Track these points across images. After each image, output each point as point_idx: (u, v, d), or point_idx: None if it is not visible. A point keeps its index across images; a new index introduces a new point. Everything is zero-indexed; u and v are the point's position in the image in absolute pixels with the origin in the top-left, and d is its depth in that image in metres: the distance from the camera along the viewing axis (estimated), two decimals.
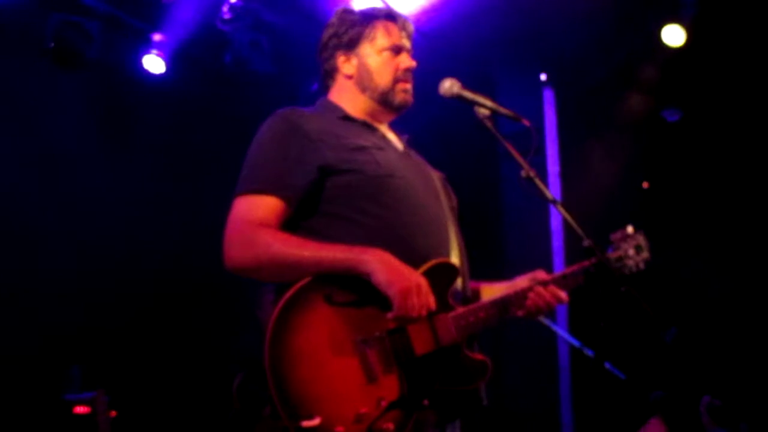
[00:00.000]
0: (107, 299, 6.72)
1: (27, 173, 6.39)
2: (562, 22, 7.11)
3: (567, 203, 2.90)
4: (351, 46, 3.04)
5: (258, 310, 6.73)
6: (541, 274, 2.93)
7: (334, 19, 3.11)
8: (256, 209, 2.71)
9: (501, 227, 7.77)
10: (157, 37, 6.99)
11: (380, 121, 3.08)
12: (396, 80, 3.03)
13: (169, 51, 7.05)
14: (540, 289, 2.86)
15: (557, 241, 7.52)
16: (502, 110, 2.93)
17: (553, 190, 7.58)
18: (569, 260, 7.45)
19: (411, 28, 3.14)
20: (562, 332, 6.15)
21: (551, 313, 6.14)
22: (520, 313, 2.86)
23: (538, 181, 2.75)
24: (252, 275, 2.70)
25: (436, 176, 3.07)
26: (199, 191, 7.54)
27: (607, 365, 5.29)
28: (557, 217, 7.42)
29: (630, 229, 3.02)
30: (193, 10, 6.73)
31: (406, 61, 3.05)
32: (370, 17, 3.07)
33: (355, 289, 2.59)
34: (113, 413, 5.71)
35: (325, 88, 3.15)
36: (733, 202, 8.28)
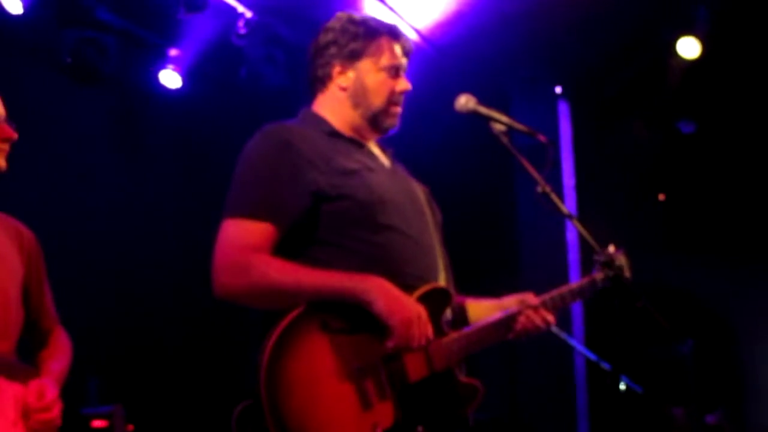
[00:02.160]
0: (125, 312, 6.75)
1: (44, 187, 6.42)
2: (577, 35, 7.12)
3: (582, 217, 2.90)
4: (351, 58, 2.93)
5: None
6: (530, 298, 2.94)
7: (335, 24, 2.99)
8: (247, 234, 2.62)
9: (516, 241, 7.75)
10: (173, 52, 7.03)
11: (366, 139, 2.99)
12: (389, 102, 2.94)
13: (185, 66, 7.08)
14: (530, 312, 2.88)
15: (573, 255, 7.50)
16: (518, 126, 2.93)
17: (568, 203, 7.57)
18: (586, 274, 7.43)
19: (411, 45, 3.05)
20: (578, 346, 6.13)
21: (567, 326, 6.13)
22: (509, 335, 2.88)
23: (553, 196, 2.76)
24: (243, 302, 2.63)
25: (420, 191, 3.01)
26: (215, 205, 7.56)
27: (623, 379, 5.28)
28: (573, 231, 7.40)
29: (611, 248, 3.00)
30: (208, 26, 6.77)
31: (403, 84, 2.96)
32: (374, 32, 2.95)
33: (350, 316, 2.55)
34: (131, 427, 5.72)
35: (312, 93, 3.04)
36: (749, 214, 8.25)
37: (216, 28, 6.80)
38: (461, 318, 2.92)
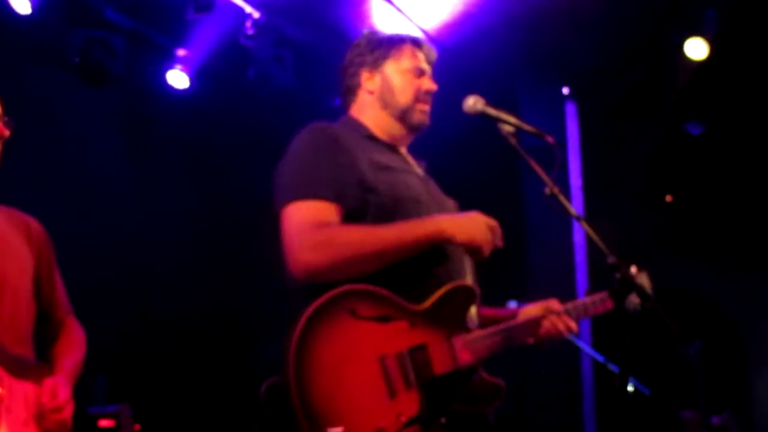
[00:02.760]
0: (131, 312, 6.76)
1: (51, 185, 6.43)
2: (584, 36, 7.11)
3: (589, 218, 2.92)
4: (376, 64, 3.09)
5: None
6: (554, 304, 3.03)
7: (361, 40, 3.16)
8: (318, 212, 2.70)
9: (524, 242, 7.75)
10: (181, 52, 7.04)
11: (399, 144, 3.12)
12: (416, 99, 3.07)
13: (193, 66, 7.10)
14: (554, 318, 2.97)
15: (580, 256, 7.50)
16: (526, 127, 2.95)
17: (575, 204, 7.56)
18: (593, 275, 7.43)
19: (434, 55, 3.19)
20: (586, 347, 6.12)
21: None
22: (530, 340, 2.95)
23: (562, 198, 2.77)
24: (330, 276, 2.65)
25: (451, 204, 3.12)
26: (223, 204, 7.58)
27: (632, 381, 5.27)
28: (580, 231, 7.40)
29: (633, 269, 3.09)
30: (216, 26, 6.78)
31: (428, 83, 3.10)
32: (397, 40, 3.13)
33: (378, 306, 2.60)
34: (137, 426, 5.73)
35: (345, 105, 3.17)
36: (757, 216, 8.24)
37: (224, 28, 6.81)
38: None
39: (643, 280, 3.13)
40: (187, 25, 6.75)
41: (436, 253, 2.81)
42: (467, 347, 2.71)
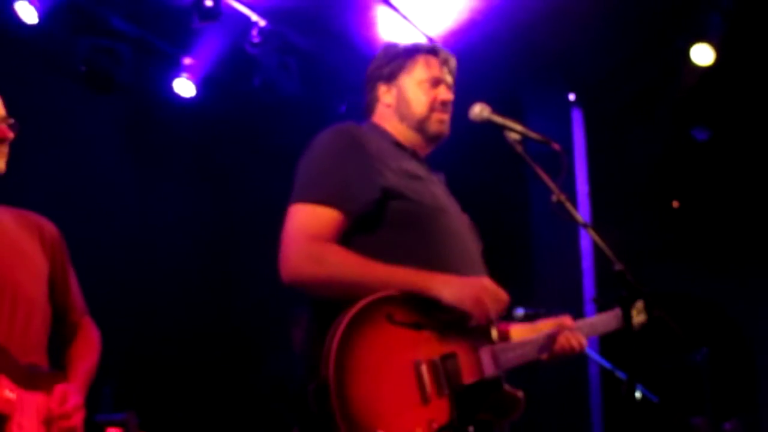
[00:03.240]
0: (138, 319, 6.77)
1: (58, 194, 6.44)
2: (590, 42, 7.12)
3: (596, 224, 2.92)
4: (391, 77, 3.09)
5: (294, 327, 6.73)
6: (567, 321, 3.06)
7: (379, 54, 3.17)
8: (316, 221, 2.71)
9: (530, 249, 7.74)
10: (187, 60, 7.06)
11: (422, 153, 3.12)
12: (432, 109, 3.06)
13: (199, 74, 7.11)
14: (568, 334, 2.98)
15: (587, 263, 7.48)
16: (532, 134, 2.95)
17: (582, 210, 7.56)
18: (600, 282, 7.42)
19: (453, 63, 3.17)
20: (593, 354, 6.10)
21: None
22: (545, 356, 2.95)
23: (569, 205, 2.78)
24: (312, 290, 2.71)
25: (465, 219, 3.11)
26: (229, 212, 7.59)
27: (639, 388, 5.26)
28: (587, 238, 7.39)
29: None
30: (222, 34, 6.80)
31: (444, 93, 3.08)
32: (412, 51, 3.13)
33: (413, 312, 2.61)
34: None
35: (367, 117, 3.18)
36: (764, 221, 8.22)
37: (229, 36, 6.83)
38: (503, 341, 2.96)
39: (638, 306, 3.15)
40: (193, 34, 6.76)
41: (460, 261, 2.83)
42: (492, 359, 2.72)
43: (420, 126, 3.06)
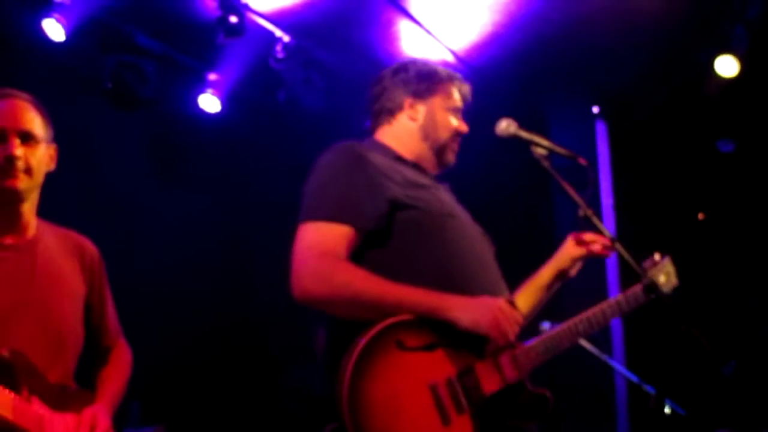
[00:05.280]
0: (164, 334, 6.79)
1: (84, 210, 6.49)
2: (614, 55, 7.11)
3: (620, 237, 2.91)
4: (423, 95, 3.12)
5: (314, 345, 6.75)
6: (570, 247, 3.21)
7: (408, 64, 3.19)
8: (327, 238, 2.70)
9: None
10: (212, 76, 7.11)
11: (427, 169, 3.14)
12: (453, 139, 3.13)
13: (224, 90, 7.16)
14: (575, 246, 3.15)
15: (612, 276, 7.45)
16: (559, 149, 2.96)
17: (606, 223, 7.53)
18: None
19: (469, 96, 3.23)
20: (619, 367, 6.07)
21: (608, 347, 6.08)
22: (578, 340, 2.95)
23: (595, 220, 2.77)
24: (322, 308, 2.71)
25: (476, 230, 3.11)
26: (254, 227, 7.62)
27: (668, 402, 5.23)
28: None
29: (657, 256, 3.12)
30: (246, 50, 6.84)
31: (464, 126, 3.17)
32: (444, 77, 3.17)
33: (424, 334, 2.60)
34: None
35: (376, 125, 3.19)
36: None
37: (254, 52, 6.87)
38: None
39: (668, 266, 3.16)
40: (217, 50, 6.81)
41: (473, 267, 2.85)
42: (513, 362, 2.71)
43: (440, 150, 3.12)
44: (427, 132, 3.10)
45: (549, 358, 2.83)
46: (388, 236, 2.79)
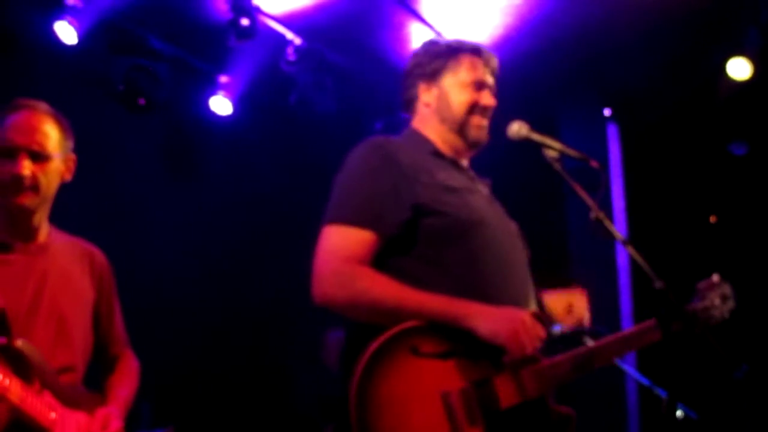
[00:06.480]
0: (175, 336, 6.80)
1: (96, 212, 6.50)
2: (625, 57, 7.09)
3: (633, 238, 2.89)
4: (433, 76, 3.02)
5: (321, 351, 6.77)
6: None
7: (419, 50, 3.10)
8: (350, 242, 2.67)
9: (567, 264, 7.69)
10: (223, 79, 7.11)
11: (462, 158, 3.06)
12: (471, 112, 2.99)
13: (236, 92, 7.16)
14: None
15: (624, 279, 7.43)
16: (571, 152, 2.91)
17: (618, 225, 7.51)
18: (637, 297, 7.36)
19: (495, 63, 3.11)
20: (630, 371, 6.04)
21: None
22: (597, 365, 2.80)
23: (607, 223, 2.72)
24: (342, 312, 2.67)
25: (513, 227, 3.03)
26: (265, 229, 7.62)
27: (680, 406, 5.20)
28: (624, 253, 7.34)
29: (716, 278, 3.02)
30: (258, 53, 6.84)
31: (486, 98, 3.03)
32: (455, 50, 3.04)
33: (440, 341, 2.55)
34: None
35: (408, 117, 3.14)
36: None
37: (265, 55, 6.87)
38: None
39: (726, 289, 3.05)
40: (229, 52, 6.81)
41: (501, 276, 2.77)
42: (535, 377, 2.61)
43: (460, 129, 3.00)
44: (443, 114, 3.00)
45: (579, 376, 2.73)
46: (413, 243, 2.74)
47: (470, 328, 2.56)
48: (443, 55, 3.04)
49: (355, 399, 2.39)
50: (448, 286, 2.66)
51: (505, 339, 2.55)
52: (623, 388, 7.21)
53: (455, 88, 3.00)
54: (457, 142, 3.02)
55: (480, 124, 3.02)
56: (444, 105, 3.01)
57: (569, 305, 2.82)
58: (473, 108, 3.00)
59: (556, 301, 2.90)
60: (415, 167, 2.80)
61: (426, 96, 3.03)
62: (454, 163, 2.99)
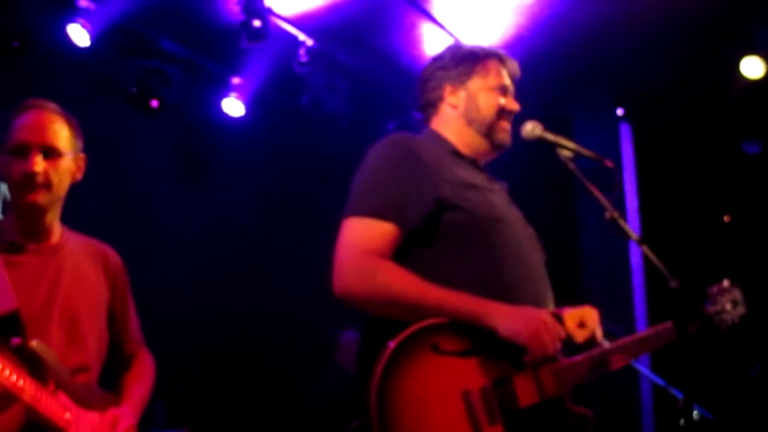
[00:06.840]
0: (189, 337, 6.81)
1: (109, 213, 6.52)
2: (638, 57, 7.07)
3: (647, 238, 2.87)
4: (461, 79, 3.04)
5: (334, 352, 6.77)
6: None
7: (445, 53, 3.12)
8: (371, 235, 2.66)
9: (580, 264, 7.68)
10: (235, 80, 7.13)
11: (482, 160, 3.08)
12: (500, 116, 3.03)
13: (248, 94, 7.18)
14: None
15: (637, 278, 7.41)
16: (585, 152, 2.91)
17: (632, 225, 7.49)
18: (651, 298, 7.34)
19: (518, 71, 3.15)
20: (645, 371, 6.02)
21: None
22: (614, 366, 2.83)
23: (622, 222, 2.71)
24: (362, 306, 2.65)
25: (529, 231, 3.04)
26: (277, 230, 7.63)
27: (696, 407, 5.18)
28: (638, 253, 7.32)
29: (726, 283, 3.04)
30: (270, 54, 6.85)
31: (512, 103, 3.07)
32: (483, 55, 3.09)
33: (461, 340, 2.55)
34: None
35: (425, 118, 3.14)
36: None
37: (278, 56, 6.89)
38: None
39: (737, 294, 3.07)
40: (241, 54, 6.83)
41: (519, 274, 2.77)
42: (554, 377, 2.64)
43: (488, 131, 3.02)
44: (471, 116, 3.02)
45: (596, 376, 2.75)
46: (434, 237, 2.73)
47: (491, 326, 2.56)
48: (470, 59, 3.07)
49: (375, 396, 2.38)
50: (468, 280, 2.66)
51: (527, 339, 2.55)
52: (638, 389, 7.19)
53: (483, 92, 3.03)
54: (482, 144, 3.04)
55: (506, 127, 3.06)
56: (473, 108, 3.03)
57: (581, 320, 2.79)
58: (501, 112, 3.04)
59: (568, 316, 2.87)
60: (436, 163, 2.81)
61: (452, 98, 3.05)
62: (473, 163, 3.01)
